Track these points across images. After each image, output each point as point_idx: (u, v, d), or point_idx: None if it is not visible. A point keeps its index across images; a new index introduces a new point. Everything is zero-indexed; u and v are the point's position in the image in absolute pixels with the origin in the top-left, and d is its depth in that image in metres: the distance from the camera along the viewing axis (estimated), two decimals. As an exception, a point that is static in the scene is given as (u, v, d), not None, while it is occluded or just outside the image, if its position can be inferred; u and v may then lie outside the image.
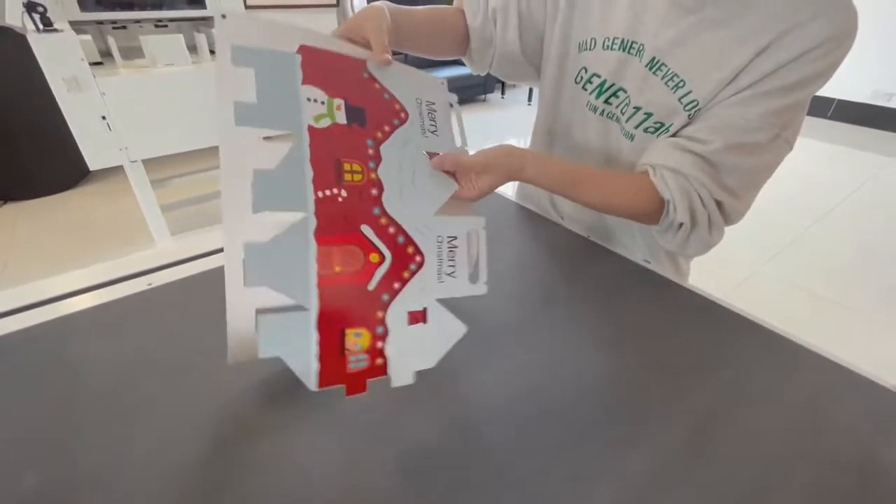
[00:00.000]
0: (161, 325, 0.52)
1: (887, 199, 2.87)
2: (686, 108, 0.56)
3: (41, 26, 1.50)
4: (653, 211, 0.59)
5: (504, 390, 0.46)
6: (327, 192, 0.39)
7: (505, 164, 0.53)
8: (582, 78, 0.65)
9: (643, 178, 0.58)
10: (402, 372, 0.40)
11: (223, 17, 0.38)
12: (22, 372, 0.46)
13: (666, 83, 0.56)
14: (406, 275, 0.42)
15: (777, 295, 2.01)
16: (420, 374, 0.41)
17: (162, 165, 2.03)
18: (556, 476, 0.38)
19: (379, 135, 0.44)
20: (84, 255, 2.11)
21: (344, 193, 0.40)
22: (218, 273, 0.42)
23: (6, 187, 2.49)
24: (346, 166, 0.41)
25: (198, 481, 0.37)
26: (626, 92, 0.61)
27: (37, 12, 1.48)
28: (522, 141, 3.77)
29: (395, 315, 0.41)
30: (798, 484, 0.38)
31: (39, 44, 1.48)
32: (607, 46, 0.60)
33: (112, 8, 1.94)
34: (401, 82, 0.48)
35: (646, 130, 0.61)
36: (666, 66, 0.56)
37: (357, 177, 0.42)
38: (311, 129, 0.40)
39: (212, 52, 2.05)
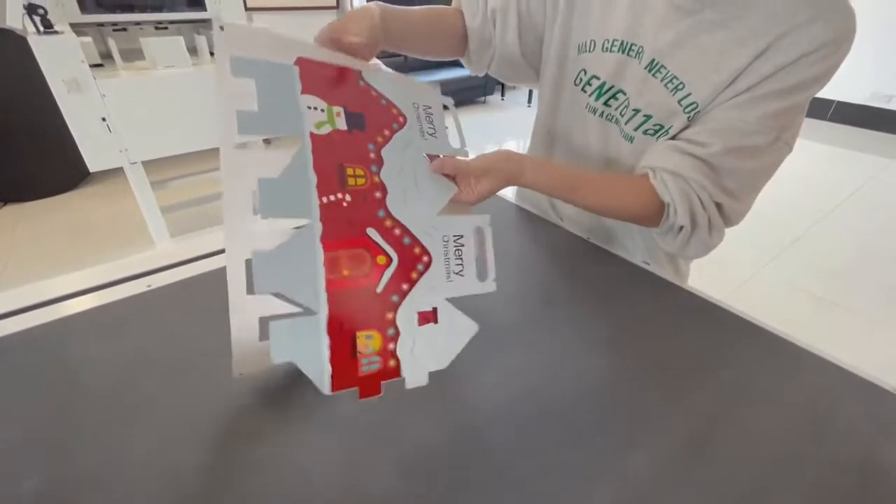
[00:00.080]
0: (161, 326, 0.53)
1: (887, 200, 2.87)
2: (686, 111, 0.56)
3: (42, 28, 1.50)
4: (653, 214, 0.59)
5: (504, 391, 0.46)
6: (332, 198, 0.40)
7: (504, 168, 0.53)
8: (581, 80, 0.65)
9: (643, 181, 0.58)
10: (416, 373, 0.40)
11: (221, 28, 0.39)
12: (22, 373, 0.46)
13: (665, 85, 0.57)
14: (414, 275, 0.42)
15: (777, 296, 2.01)
16: (421, 375, 0.41)
17: (162, 167, 2.04)
18: (556, 476, 0.38)
19: (379, 139, 0.45)
20: (84, 257, 2.11)
21: (348, 198, 0.41)
22: (218, 274, 0.42)
23: (6, 189, 2.49)
24: (350, 171, 0.41)
25: (198, 481, 0.37)
26: (625, 94, 0.61)
27: (37, 14, 1.49)
28: (522, 142, 3.78)
29: (406, 316, 0.41)
30: (798, 485, 0.38)
31: (40, 46, 1.48)
32: (606, 48, 0.61)
33: (112, 10, 1.94)
34: (396, 88, 0.49)
35: (645, 132, 0.61)
36: (665, 68, 0.56)
37: (360, 181, 0.42)
38: (312, 135, 0.41)
39: (212, 53, 2.05)
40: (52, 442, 0.39)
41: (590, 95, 0.65)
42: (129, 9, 1.98)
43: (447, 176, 0.49)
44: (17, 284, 0.55)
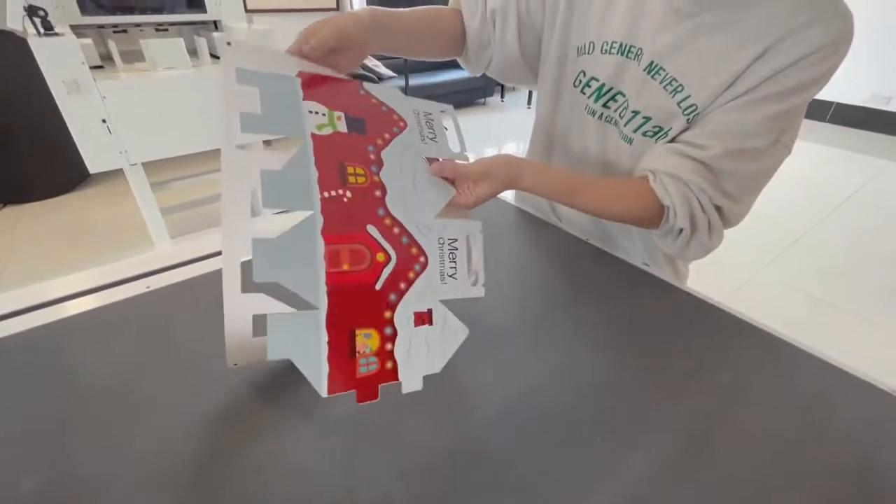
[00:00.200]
0: (160, 327, 0.53)
1: (886, 201, 2.88)
2: (685, 113, 0.56)
3: (42, 30, 1.51)
4: (653, 216, 0.59)
5: (504, 391, 0.46)
6: (333, 193, 0.40)
7: (503, 172, 0.53)
8: (580, 81, 0.66)
9: (643, 183, 0.59)
10: (412, 377, 0.40)
11: (228, 44, 0.42)
12: (22, 374, 0.46)
13: (664, 87, 0.57)
14: (411, 275, 0.42)
15: (776, 297, 2.01)
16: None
17: (162, 168, 2.04)
18: (555, 477, 0.38)
19: (379, 141, 0.45)
20: (83, 258, 2.11)
21: (349, 194, 0.41)
22: (217, 276, 0.42)
23: (6, 190, 2.49)
24: (350, 169, 0.42)
25: (197, 482, 0.37)
26: (624, 96, 0.61)
27: (38, 16, 1.49)
28: (522, 144, 3.79)
29: (403, 316, 0.41)
30: (797, 486, 0.38)
31: (40, 47, 1.48)
32: (605, 50, 0.61)
33: (113, 12, 1.95)
34: (395, 97, 0.50)
35: (644, 134, 0.61)
36: (664, 70, 0.56)
37: (361, 179, 0.42)
38: (313, 135, 0.41)
39: (212, 55, 2.05)
40: (51, 442, 0.39)
41: (589, 97, 0.66)
42: (130, 10, 1.98)
43: (446, 179, 0.49)
44: (17, 286, 0.55)
